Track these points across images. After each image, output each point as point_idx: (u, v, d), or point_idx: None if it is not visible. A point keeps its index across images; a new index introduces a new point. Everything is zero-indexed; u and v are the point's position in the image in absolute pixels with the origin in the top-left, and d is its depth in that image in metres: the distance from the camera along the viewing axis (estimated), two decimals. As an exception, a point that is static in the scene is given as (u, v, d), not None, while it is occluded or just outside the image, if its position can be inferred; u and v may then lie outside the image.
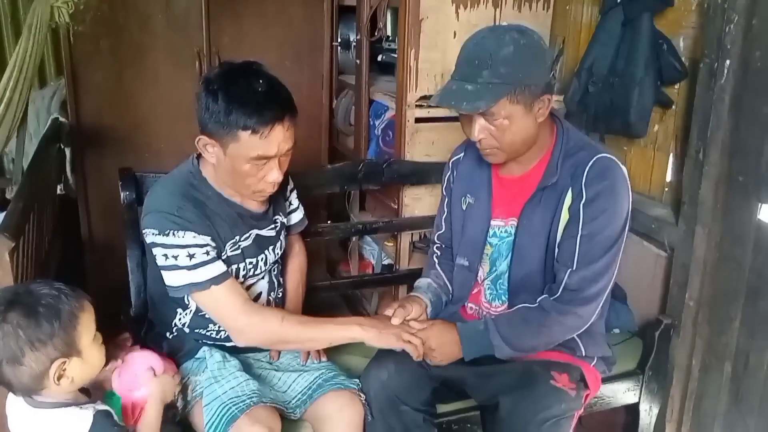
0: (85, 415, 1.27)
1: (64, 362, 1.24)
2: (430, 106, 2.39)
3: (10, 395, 1.31)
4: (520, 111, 1.47)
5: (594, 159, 1.54)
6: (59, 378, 1.24)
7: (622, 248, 1.56)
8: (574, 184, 1.54)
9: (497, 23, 2.36)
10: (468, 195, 1.73)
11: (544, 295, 1.58)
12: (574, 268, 1.53)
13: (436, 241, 1.89)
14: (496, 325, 1.58)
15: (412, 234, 2.56)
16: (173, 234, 1.48)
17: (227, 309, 1.53)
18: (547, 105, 1.51)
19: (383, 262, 2.79)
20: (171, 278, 1.51)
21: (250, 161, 1.48)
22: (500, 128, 1.49)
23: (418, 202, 2.49)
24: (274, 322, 1.54)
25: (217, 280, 1.50)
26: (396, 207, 2.53)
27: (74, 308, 1.25)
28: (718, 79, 1.76)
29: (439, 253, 1.87)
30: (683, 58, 1.96)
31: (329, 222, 2.92)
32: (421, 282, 1.83)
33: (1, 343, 1.20)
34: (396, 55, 2.47)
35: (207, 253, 1.50)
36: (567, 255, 1.55)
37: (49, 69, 3.66)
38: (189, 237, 1.48)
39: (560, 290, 1.55)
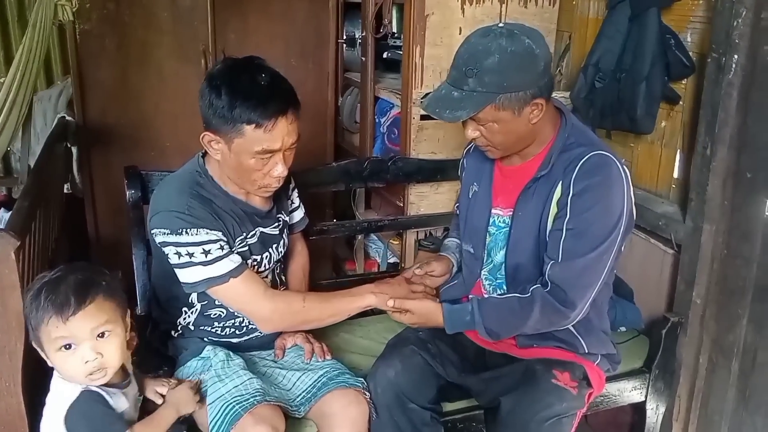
0: (69, 386, 1.26)
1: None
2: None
3: None
4: (507, 116, 1.48)
5: (589, 155, 1.53)
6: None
7: (614, 250, 1.53)
8: (565, 177, 1.53)
9: (502, 19, 2.34)
10: (474, 183, 1.76)
11: (537, 285, 1.56)
12: (559, 260, 1.52)
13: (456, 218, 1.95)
14: (482, 316, 1.58)
15: (417, 232, 2.55)
16: (186, 232, 1.48)
17: (250, 298, 1.55)
18: (540, 108, 1.51)
19: (389, 261, 2.78)
20: (187, 275, 1.51)
21: (255, 156, 1.48)
22: (490, 130, 1.52)
23: (424, 199, 2.48)
24: (298, 304, 1.58)
25: (234, 272, 1.51)
26: (401, 205, 2.53)
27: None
28: (726, 74, 1.74)
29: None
30: (691, 53, 1.94)
31: (334, 220, 2.92)
32: (450, 242, 1.91)
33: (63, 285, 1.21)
34: (401, 52, 2.46)
35: (221, 248, 1.51)
36: (553, 248, 1.54)
37: (56, 68, 3.68)
38: (203, 234, 1.49)
39: (548, 283, 1.54)
